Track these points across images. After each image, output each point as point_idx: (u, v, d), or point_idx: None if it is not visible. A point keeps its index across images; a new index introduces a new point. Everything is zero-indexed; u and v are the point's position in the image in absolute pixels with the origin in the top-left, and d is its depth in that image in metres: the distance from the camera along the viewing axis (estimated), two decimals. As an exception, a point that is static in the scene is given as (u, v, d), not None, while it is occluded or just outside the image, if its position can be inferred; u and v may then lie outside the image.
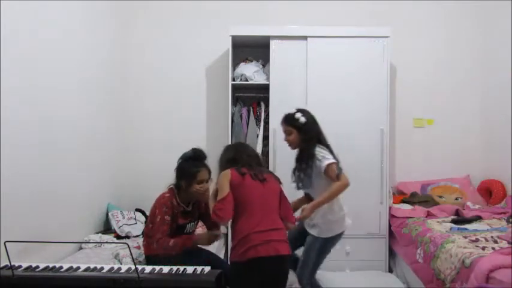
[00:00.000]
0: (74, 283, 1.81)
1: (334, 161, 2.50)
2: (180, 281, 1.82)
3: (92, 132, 3.28)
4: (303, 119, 2.57)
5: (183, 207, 2.64)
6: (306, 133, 2.54)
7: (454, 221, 3.16)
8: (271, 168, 3.39)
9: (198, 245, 2.88)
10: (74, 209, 3.01)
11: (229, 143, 3.45)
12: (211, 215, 2.22)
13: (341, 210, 2.60)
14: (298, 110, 2.63)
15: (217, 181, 2.32)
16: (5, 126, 2.24)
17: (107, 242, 3.06)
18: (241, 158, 2.33)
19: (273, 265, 2.12)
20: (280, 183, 2.41)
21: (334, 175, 2.46)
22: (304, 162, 2.53)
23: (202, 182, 2.57)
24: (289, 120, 2.63)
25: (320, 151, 2.51)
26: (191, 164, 2.60)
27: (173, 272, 1.90)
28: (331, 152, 2.58)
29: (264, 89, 3.64)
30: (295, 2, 4.00)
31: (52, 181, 2.70)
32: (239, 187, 2.18)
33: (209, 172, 2.59)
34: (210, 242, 2.63)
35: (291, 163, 2.65)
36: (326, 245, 2.57)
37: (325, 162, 2.46)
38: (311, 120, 2.62)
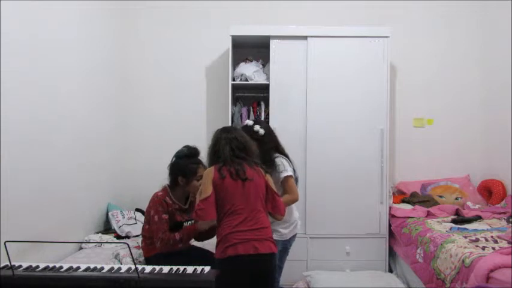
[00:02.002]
0: (74, 283, 1.81)
1: (291, 174, 2.60)
2: (180, 281, 1.82)
3: (92, 132, 3.28)
4: (262, 131, 2.65)
5: (178, 204, 2.64)
6: (265, 144, 2.62)
7: (454, 221, 3.16)
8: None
9: (198, 246, 2.88)
10: (74, 209, 3.01)
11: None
12: (193, 214, 2.23)
13: (291, 217, 2.66)
14: (256, 122, 2.71)
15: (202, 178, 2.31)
16: (5, 126, 2.24)
17: (107, 242, 3.06)
18: (224, 152, 2.28)
19: (252, 263, 2.13)
20: (266, 175, 2.36)
21: (289, 188, 2.57)
22: (265, 171, 2.55)
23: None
24: (248, 133, 2.64)
25: (281, 162, 2.62)
26: (189, 161, 2.62)
27: (173, 272, 1.90)
28: (290, 161, 2.69)
29: (264, 89, 3.64)
30: (295, 2, 4.00)
31: (52, 181, 2.70)
32: (220, 189, 2.19)
33: (205, 168, 2.59)
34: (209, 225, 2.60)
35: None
36: (286, 246, 2.69)
37: (284, 174, 2.57)
38: (268, 131, 2.72)
